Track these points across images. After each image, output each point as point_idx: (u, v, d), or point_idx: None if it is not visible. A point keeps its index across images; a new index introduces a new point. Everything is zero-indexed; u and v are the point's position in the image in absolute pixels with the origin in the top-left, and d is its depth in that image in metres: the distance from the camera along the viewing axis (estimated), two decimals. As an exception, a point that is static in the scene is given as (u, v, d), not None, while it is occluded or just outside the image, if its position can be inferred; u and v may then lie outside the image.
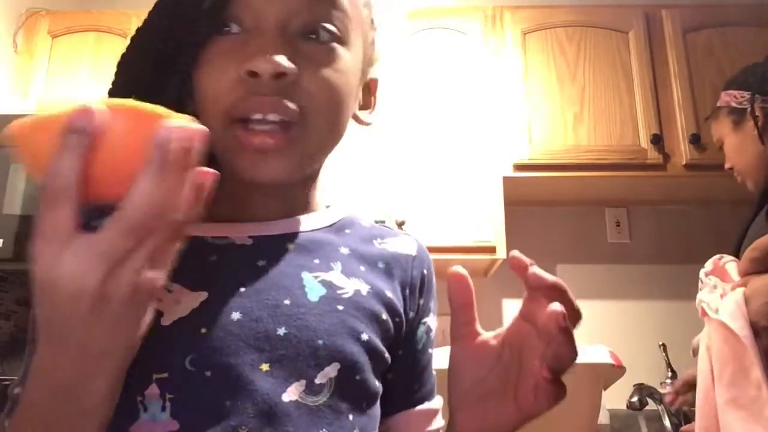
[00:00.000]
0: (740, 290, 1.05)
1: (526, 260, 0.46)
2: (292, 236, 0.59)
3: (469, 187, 2.06)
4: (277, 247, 0.58)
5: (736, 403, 0.93)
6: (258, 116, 0.53)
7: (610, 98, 2.14)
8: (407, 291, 0.62)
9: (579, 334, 0.55)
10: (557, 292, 0.46)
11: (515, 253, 0.47)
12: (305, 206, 0.63)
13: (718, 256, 1.14)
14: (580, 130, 2.11)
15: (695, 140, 2.04)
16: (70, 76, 2.19)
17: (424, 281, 0.65)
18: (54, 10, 2.29)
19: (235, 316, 0.52)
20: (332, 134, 0.58)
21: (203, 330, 0.51)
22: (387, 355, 0.58)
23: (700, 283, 1.12)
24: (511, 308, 2.29)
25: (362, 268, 0.60)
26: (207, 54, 0.55)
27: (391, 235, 0.66)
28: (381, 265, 0.62)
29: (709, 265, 1.12)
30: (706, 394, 1.02)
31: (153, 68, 0.56)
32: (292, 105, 0.53)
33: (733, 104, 1.45)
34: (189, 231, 0.55)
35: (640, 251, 2.36)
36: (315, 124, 0.55)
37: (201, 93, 0.55)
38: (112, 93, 0.57)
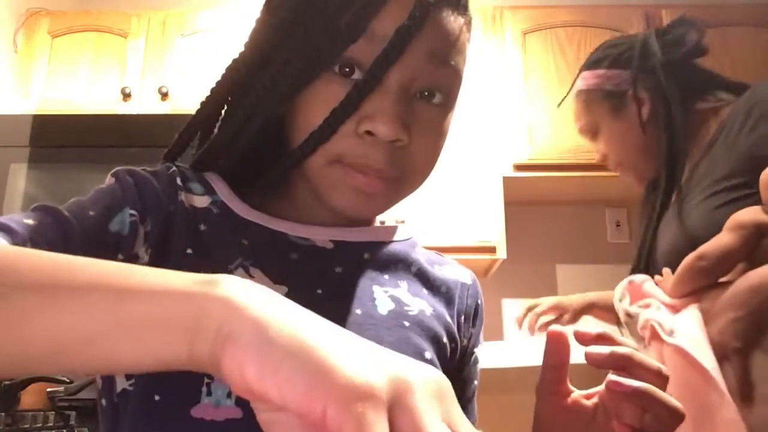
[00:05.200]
0: (694, 308, 0.90)
1: (592, 332, 0.49)
2: (370, 245, 0.60)
3: (469, 187, 2.06)
4: (354, 255, 0.59)
5: None
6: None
7: (610, 98, 2.13)
8: (462, 318, 0.64)
9: (578, 334, 0.55)
10: (623, 360, 0.48)
11: (580, 329, 0.49)
12: (370, 219, 0.64)
13: (627, 280, 1.01)
14: (580, 130, 2.11)
15: (695, 140, 2.04)
16: (70, 76, 2.19)
17: (477, 311, 0.66)
18: (54, 10, 2.29)
19: None
20: (426, 179, 0.60)
21: None
22: None
23: (624, 317, 0.98)
24: (511, 308, 2.27)
25: (425, 291, 0.62)
26: (318, 87, 0.53)
27: (446, 262, 0.67)
28: (444, 289, 0.63)
29: (624, 294, 0.98)
30: None
31: (265, 84, 0.55)
32: (396, 169, 0.54)
33: (608, 87, 1.21)
34: (272, 226, 0.57)
35: (640, 251, 2.35)
36: (414, 181, 0.58)
37: (303, 121, 0.54)
38: (213, 91, 0.58)
